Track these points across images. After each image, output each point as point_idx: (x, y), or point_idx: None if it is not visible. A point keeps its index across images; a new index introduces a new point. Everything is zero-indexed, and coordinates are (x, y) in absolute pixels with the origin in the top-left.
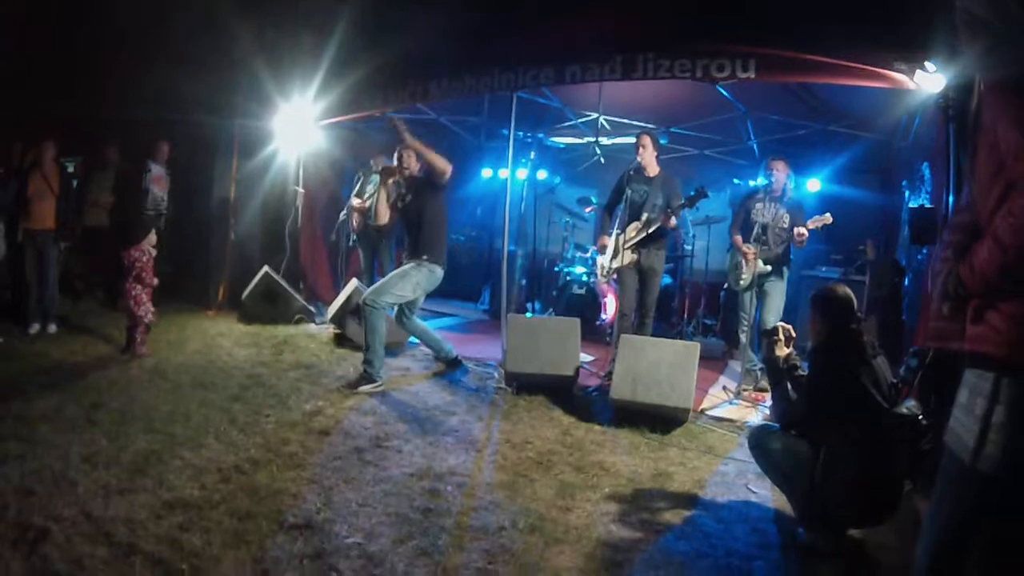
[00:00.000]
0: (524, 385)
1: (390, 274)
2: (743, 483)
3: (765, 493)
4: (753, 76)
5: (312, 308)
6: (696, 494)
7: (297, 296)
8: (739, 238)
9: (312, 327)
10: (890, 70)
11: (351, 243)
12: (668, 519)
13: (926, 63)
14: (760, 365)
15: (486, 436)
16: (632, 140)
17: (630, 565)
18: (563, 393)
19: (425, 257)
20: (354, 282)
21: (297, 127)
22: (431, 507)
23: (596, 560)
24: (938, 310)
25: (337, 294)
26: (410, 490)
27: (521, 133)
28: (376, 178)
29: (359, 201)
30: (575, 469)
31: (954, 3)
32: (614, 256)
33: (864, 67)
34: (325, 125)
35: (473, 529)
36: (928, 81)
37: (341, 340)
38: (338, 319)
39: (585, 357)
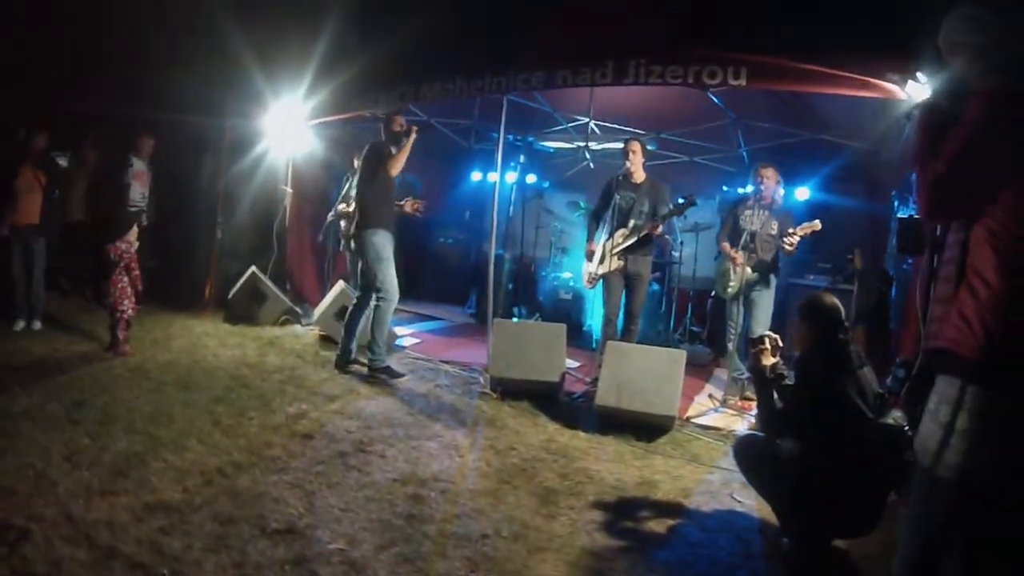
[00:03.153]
0: (509, 391)
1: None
2: (728, 492)
3: (750, 503)
4: (744, 83)
5: (299, 309)
6: (681, 503)
7: (283, 297)
8: (727, 244)
9: (298, 328)
10: (882, 80)
11: (339, 246)
12: (652, 528)
13: (918, 74)
14: (747, 374)
15: (470, 442)
16: (622, 146)
17: (613, 574)
18: (548, 399)
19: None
20: (340, 284)
21: (287, 126)
22: (414, 513)
23: (579, 569)
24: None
25: (323, 296)
26: (393, 496)
27: (511, 137)
28: None
29: (344, 206)
30: (559, 476)
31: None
32: (601, 262)
33: (856, 76)
34: (316, 125)
35: (456, 536)
36: (919, 91)
37: (326, 342)
38: (324, 321)
39: (570, 363)
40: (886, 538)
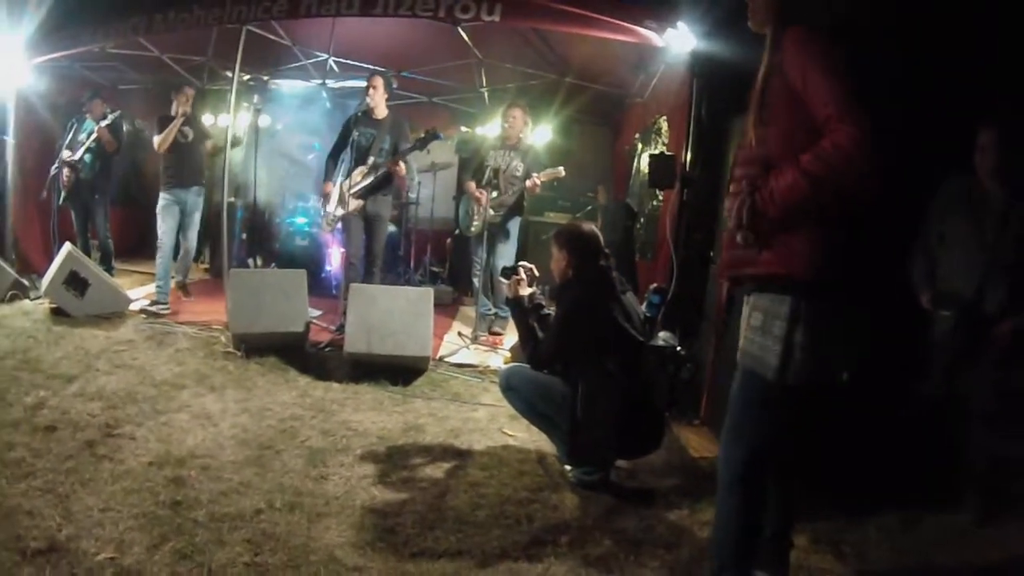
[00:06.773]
0: (254, 347)
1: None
2: (497, 427)
3: (522, 435)
4: (498, 19)
5: (26, 281)
6: (452, 444)
7: (8, 269)
8: (472, 184)
9: (27, 304)
10: (640, 26)
11: (62, 201)
12: (430, 474)
13: (678, 23)
14: (494, 310)
15: (221, 408)
16: (361, 84)
17: (404, 529)
18: (295, 351)
19: None
20: (67, 247)
21: (6, 66)
22: (179, 499)
23: (367, 530)
24: (732, 239)
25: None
26: (153, 483)
27: (246, 76)
28: (90, 125)
29: (69, 153)
30: (322, 433)
31: None
32: (339, 203)
33: (614, 21)
34: (40, 63)
35: (229, 517)
36: (677, 40)
37: (58, 316)
38: (54, 292)
39: (313, 311)
40: (668, 453)
